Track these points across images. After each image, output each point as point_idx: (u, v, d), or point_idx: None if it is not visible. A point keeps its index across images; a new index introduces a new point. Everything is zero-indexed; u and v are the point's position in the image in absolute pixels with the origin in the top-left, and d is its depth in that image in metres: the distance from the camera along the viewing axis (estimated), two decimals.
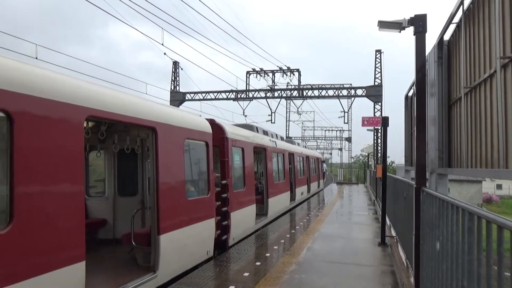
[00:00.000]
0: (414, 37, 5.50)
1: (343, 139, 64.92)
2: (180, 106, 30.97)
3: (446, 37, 5.88)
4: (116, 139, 7.57)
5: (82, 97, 4.79)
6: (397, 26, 5.81)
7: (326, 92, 30.70)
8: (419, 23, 5.46)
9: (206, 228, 7.77)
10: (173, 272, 6.52)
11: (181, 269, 6.82)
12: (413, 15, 5.53)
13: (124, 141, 7.74)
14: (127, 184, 8.86)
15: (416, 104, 5.67)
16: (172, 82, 33.64)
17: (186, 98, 32.98)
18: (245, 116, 32.15)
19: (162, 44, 17.44)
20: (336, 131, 64.18)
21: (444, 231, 3.48)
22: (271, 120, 33.75)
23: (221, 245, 8.96)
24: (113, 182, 8.79)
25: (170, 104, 19.05)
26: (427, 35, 5.51)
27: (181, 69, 34.71)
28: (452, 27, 5.59)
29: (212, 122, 9.21)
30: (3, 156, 3.81)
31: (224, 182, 9.25)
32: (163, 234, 6.12)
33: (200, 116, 8.98)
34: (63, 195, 4.31)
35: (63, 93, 4.48)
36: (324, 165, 33.98)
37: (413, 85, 8.17)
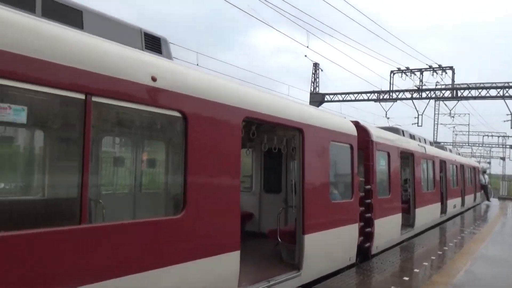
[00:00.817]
0: None
1: (507, 146, 55.32)
2: (319, 107, 31.10)
3: None
4: (265, 139, 7.99)
5: (240, 99, 5.18)
6: None
7: (487, 92, 26.56)
8: None
9: (349, 233, 7.56)
10: (315, 273, 6.53)
11: (323, 272, 6.78)
12: None
13: (272, 141, 8.11)
14: (272, 182, 9.29)
15: None
16: (312, 84, 34.04)
17: (325, 99, 32.89)
18: (388, 118, 30.32)
19: (307, 47, 17.75)
20: (498, 137, 55.10)
21: None
22: (418, 123, 30.94)
23: (363, 252, 8.60)
24: (259, 179, 9.34)
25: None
26: None
27: (321, 70, 34.88)
28: None
29: (356, 124, 8.92)
30: (179, 151, 4.39)
31: (368, 187, 8.87)
32: (308, 234, 6.18)
33: (345, 118, 8.79)
34: (225, 188, 4.74)
35: (225, 96, 4.92)
36: (486, 176, 29.25)
37: None
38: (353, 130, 8.15)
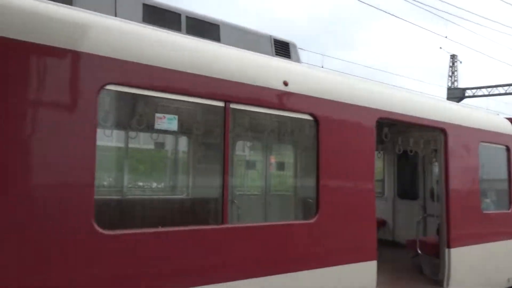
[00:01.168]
0: None
1: None
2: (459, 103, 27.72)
3: None
4: (399, 140, 7.43)
5: (373, 99, 4.90)
6: None
7: None
8: None
9: (507, 250, 6.46)
10: None
11: None
12: None
13: (407, 142, 7.50)
14: (407, 187, 8.59)
15: None
16: (449, 78, 30.63)
17: (466, 94, 29.18)
18: None
19: (446, 37, 16.03)
20: None
21: None
22: None
23: None
24: (392, 183, 8.74)
25: None
26: None
27: (460, 62, 31.12)
28: None
29: None
30: (311, 154, 4.35)
31: None
32: (454, 248, 5.48)
33: (498, 115, 7.62)
34: (359, 193, 4.53)
35: (357, 96, 4.71)
36: None
37: None
38: (509, 129, 7.01)
